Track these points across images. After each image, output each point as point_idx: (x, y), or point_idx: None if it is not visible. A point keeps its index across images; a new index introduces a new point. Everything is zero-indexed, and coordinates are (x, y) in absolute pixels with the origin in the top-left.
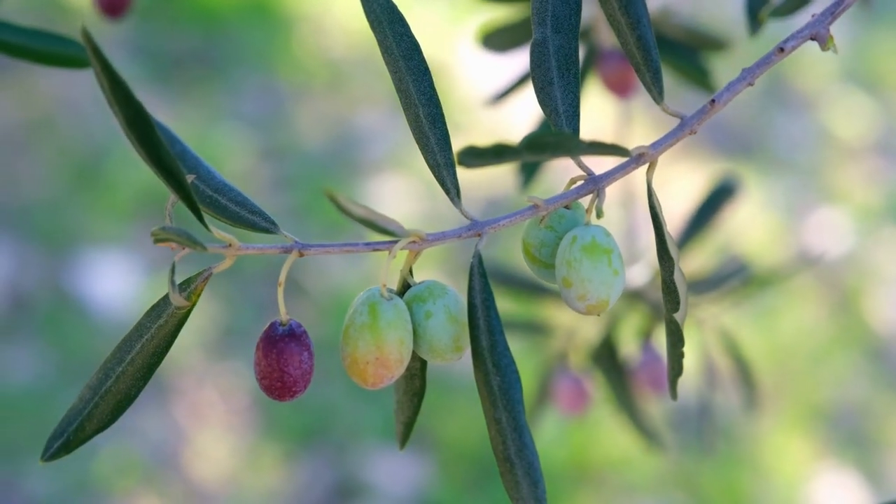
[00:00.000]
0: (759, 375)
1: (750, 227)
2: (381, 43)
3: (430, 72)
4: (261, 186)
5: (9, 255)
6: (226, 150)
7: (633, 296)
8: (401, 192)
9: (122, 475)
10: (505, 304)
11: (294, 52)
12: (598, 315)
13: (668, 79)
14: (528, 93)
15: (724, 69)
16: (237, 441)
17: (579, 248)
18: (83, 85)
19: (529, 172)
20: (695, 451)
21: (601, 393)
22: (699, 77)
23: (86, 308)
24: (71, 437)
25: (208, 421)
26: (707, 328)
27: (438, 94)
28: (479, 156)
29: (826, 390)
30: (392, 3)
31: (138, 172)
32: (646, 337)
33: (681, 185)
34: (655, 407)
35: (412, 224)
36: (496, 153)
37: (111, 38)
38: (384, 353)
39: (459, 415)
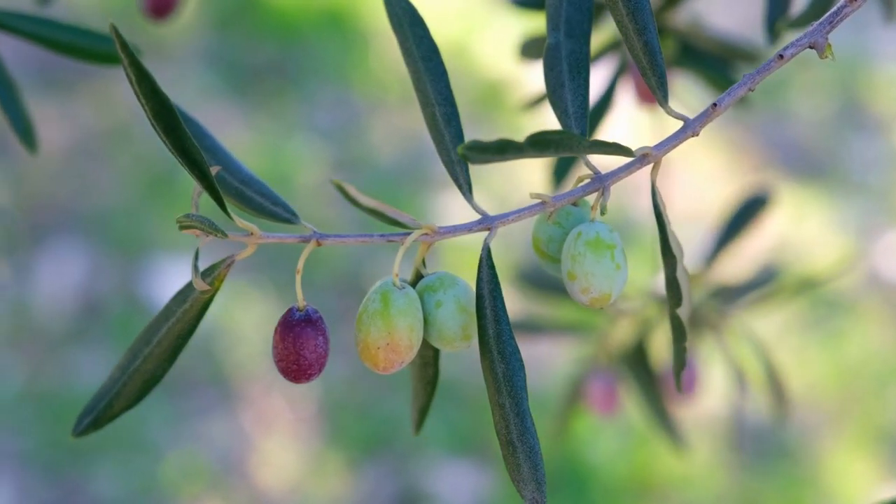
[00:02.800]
0: (825, 396)
1: (820, 248)
2: (401, 44)
3: (447, 74)
4: (333, 198)
5: (83, 261)
6: (300, 161)
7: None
8: (469, 207)
9: (189, 480)
10: (539, 308)
11: (370, 65)
12: (602, 308)
13: (699, 89)
14: None
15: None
16: (302, 449)
17: (583, 243)
18: None
19: (561, 173)
20: (758, 471)
21: (632, 397)
22: (728, 87)
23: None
24: (100, 415)
25: (274, 428)
26: (739, 336)
27: (492, 99)
28: (483, 151)
29: (892, 412)
30: (412, 5)
31: None
32: None
33: None
34: (718, 427)
35: (476, 237)
36: (499, 149)
37: (190, 48)
38: (395, 339)
39: None
